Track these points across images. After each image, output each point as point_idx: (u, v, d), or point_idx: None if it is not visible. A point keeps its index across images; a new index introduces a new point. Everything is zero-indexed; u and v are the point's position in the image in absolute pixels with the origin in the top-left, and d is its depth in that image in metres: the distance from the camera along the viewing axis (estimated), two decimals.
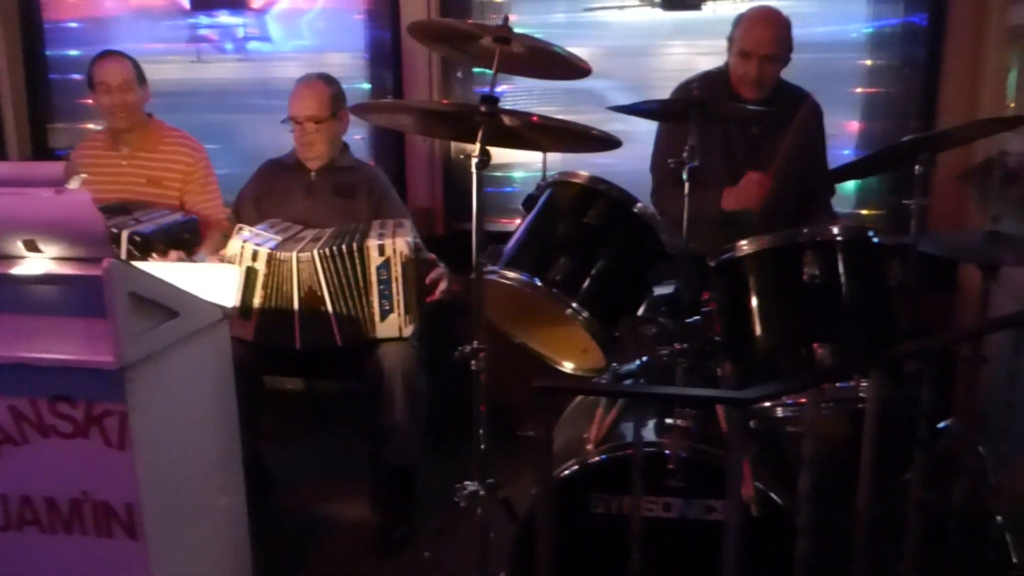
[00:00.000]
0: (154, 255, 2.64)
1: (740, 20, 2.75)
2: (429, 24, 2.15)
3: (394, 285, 2.64)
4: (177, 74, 3.87)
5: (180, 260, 2.69)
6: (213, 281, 2.13)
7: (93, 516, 1.86)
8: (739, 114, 2.52)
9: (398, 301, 2.65)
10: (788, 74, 2.88)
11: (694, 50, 3.43)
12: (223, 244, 2.83)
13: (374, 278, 2.64)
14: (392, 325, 2.67)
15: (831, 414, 2.15)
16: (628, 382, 2.38)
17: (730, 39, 2.77)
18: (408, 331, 2.69)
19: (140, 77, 3.18)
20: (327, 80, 2.97)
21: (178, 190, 3.17)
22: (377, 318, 2.66)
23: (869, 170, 3.06)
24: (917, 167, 2.32)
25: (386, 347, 2.68)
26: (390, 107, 2.26)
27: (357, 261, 2.64)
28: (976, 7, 3.19)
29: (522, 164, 3.69)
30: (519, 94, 3.64)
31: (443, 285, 2.75)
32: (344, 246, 2.65)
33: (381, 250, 2.63)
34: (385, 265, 2.63)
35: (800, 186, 2.86)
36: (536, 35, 3.51)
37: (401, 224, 2.79)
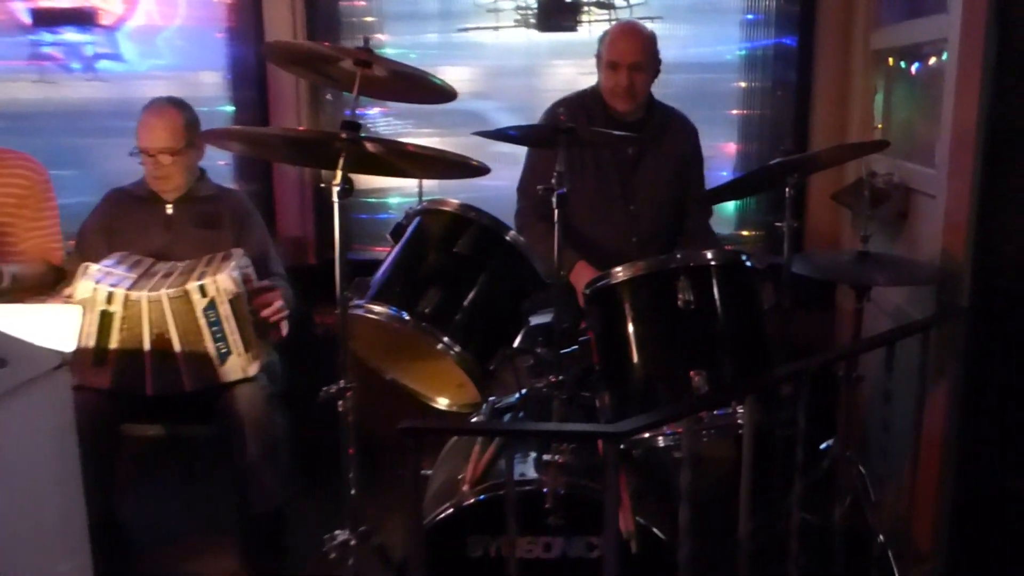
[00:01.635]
0: None
1: (605, 35, 2.83)
2: (285, 47, 2.10)
3: (225, 325, 2.54)
4: (21, 95, 3.68)
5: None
6: (50, 324, 2.01)
7: None
8: (608, 140, 2.55)
9: (234, 341, 2.56)
10: (665, 96, 2.95)
11: (578, 69, 3.48)
12: (51, 278, 2.68)
13: (203, 322, 2.54)
14: (234, 367, 2.58)
15: (714, 441, 2.18)
16: (507, 417, 2.37)
17: (598, 55, 2.84)
18: (253, 369, 2.60)
19: None
20: (179, 106, 2.85)
21: (11, 215, 2.96)
22: (217, 362, 2.58)
23: (741, 192, 3.17)
24: (788, 189, 2.38)
25: (236, 389, 2.60)
26: (242, 135, 2.19)
27: (185, 304, 2.55)
28: (842, 31, 3.35)
29: (398, 189, 3.67)
30: (393, 117, 3.63)
31: (278, 304, 2.66)
32: (173, 289, 2.55)
33: (202, 291, 2.53)
34: (211, 306, 2.53)
35: (676, 208, 2.93)
36: (410, 56, 3.57)
37: (228, 256, 2.69)
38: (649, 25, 2.87)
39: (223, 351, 2.56)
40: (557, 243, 2.06)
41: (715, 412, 1.99)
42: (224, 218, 2.91)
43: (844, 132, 3.38)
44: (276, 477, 2.63)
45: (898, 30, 3.03)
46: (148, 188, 2.90)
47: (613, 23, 3.05)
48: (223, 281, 2.54)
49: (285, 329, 2.69)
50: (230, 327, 2.54)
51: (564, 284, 2.15)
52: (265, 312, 2.64)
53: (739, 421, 1.97)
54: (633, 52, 2.74)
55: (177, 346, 2.55)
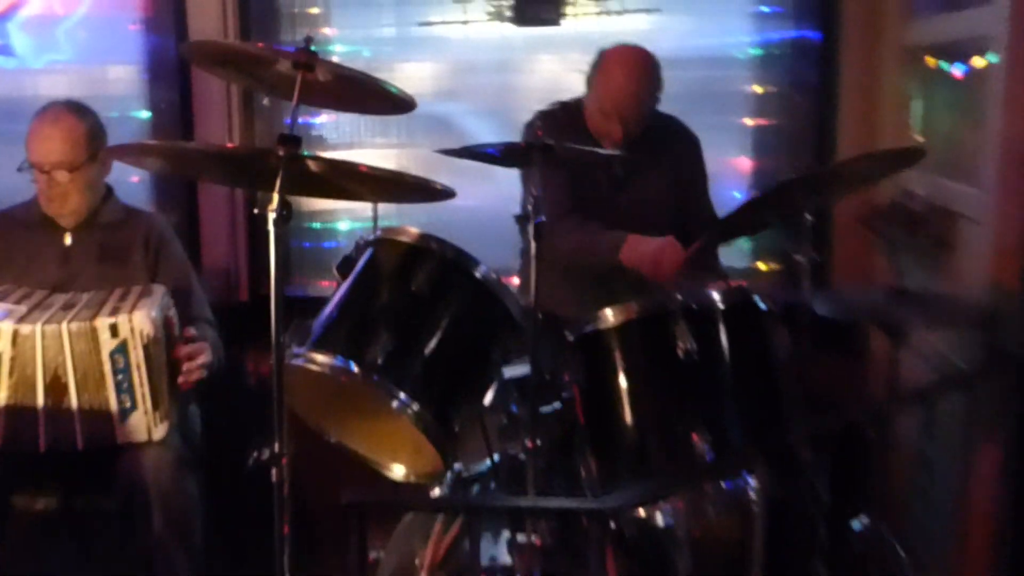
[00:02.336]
0: None
1: (599, 65, 2.84)
2: (209, 48, 2.12)
3: (135, 375, 2.53)
4: None
5: None
6: None
7: None
8: (594, 159, 2.59)
9: (143, 395, 2.54)
10: (665, 102, 2.97)
11: (564, 65, 3.54)
12: None
13: (107, 367, 2.53)
14: (138, 427, 2.56)
15: (721, 517, 2.20)
16: (475, 488, 2.38)
17: (589, 80, 2.87)
18: (159, 433, 2.57)
19: None
20: (79, 112, 2.82)
21: None
22: (117, 418, 2.56)
23: (749, 225, 3.13)
24: (806, 215, 2.41)
25: (141, 451, 2.57)
26: (159, 151, 2.20)
27: (89, 345, 2.54)
28: (871, 24, 3.40)
29: (348, 212, 3.69)
30: (345, 125, 3.66)
31: (202, 360, 2.67)
32: (75, 324, 2.52)
33: (113, 330, 2.52)
34: (121, 349, 2.52)
35: (676, 231, 2.94)
36: (363, 53, 3.61)
37: (148, 292, 2.68)
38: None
39: (127, 406, 2.54)
40: (533, 277, 2.09)
41: (722, 483, 2.01)
42: (135, 248, 2.89)
43: (875, 145, 3.40)
44: (188, 559, 2.61)
45: (935, 24, 3.08)
46: (41, 212, 2.87)
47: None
48: (140, 321, 2.52)
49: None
50: (140, 378, 2.53)
51: (543, 327, 2.16)
52: (186, 367, 2.64)
53: (750, 494, 1.99)
54: (632, 101, 2.78)
55: (73, 393, 2.53)
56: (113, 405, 2.54)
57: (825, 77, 3.47)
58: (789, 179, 2.43)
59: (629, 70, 2.81)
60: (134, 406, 2.55)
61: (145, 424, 2.56)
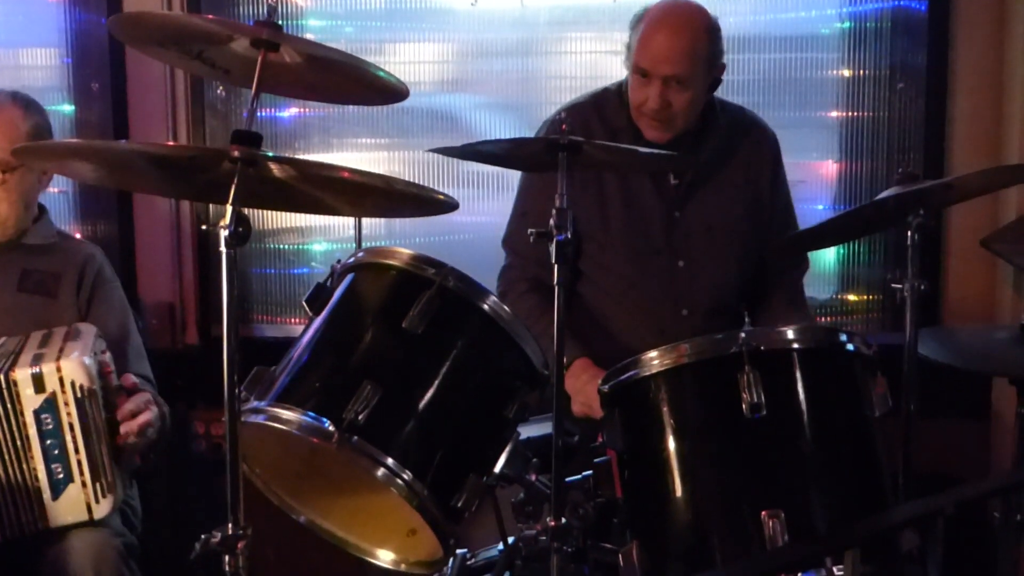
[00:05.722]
0: None
1: (639, 20, 2.84)
2: (145, 20, 2.13)
3: (67, 437, 2.53)
4: None
5: None
6: None
7: None
8: (637, 161, 2.60)
9: (78, 462, 2.53)
10: (728, 86, 2.97)
11: (601, 46, 3.59)
12: None
13: (32, 430, 2.52)
14: (74, 503, 2.55)
15: None
16: None
17: (628, 46, 2.87)
18: (102, 510, 2.57)
19: None
20: (25, 105, 2.90)
21: None
22: (47, 495, 2.55)
23: (839, 235, 3.15)
24: (910, 233, 2.42)
25: (72, 539, 2.58)
26: (85, 151, 2.23)
27: (7, 403, 2.55)
28: None
29: (323, 231, 3.74)
30: (318, 121, 3.69)
31: (146, 417, 2.66)
32: None
33: (38, 383, 2.54)
34: (49, 407, 2.52)
35: (749, 262, 2.98)
36: (345, 30, 3.65)
37: (75, 334, 2.71)
38: None
39: (58, 476, 2.54)
40: (557, 318, 2.10)
41: (800, 575, 2.01)
42: (65, 281, 2.93)
43: (999, 145, 3.44)
44: None
45: None
46: None
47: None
48: (72, 369, 2.53)
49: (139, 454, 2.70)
50: (74, 441, 2.53)
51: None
52: (126, 427, 2.64)
53: None
54: (674, 57, 2.75)
55: None
56: (42, 479, 2.53)
57: (933, 57, 3.49)
58: (895, 192, 2.43)
59: (673, 16, 2.78)
60: (68, 478, 2.54)
61: (82, 501, 2.56)
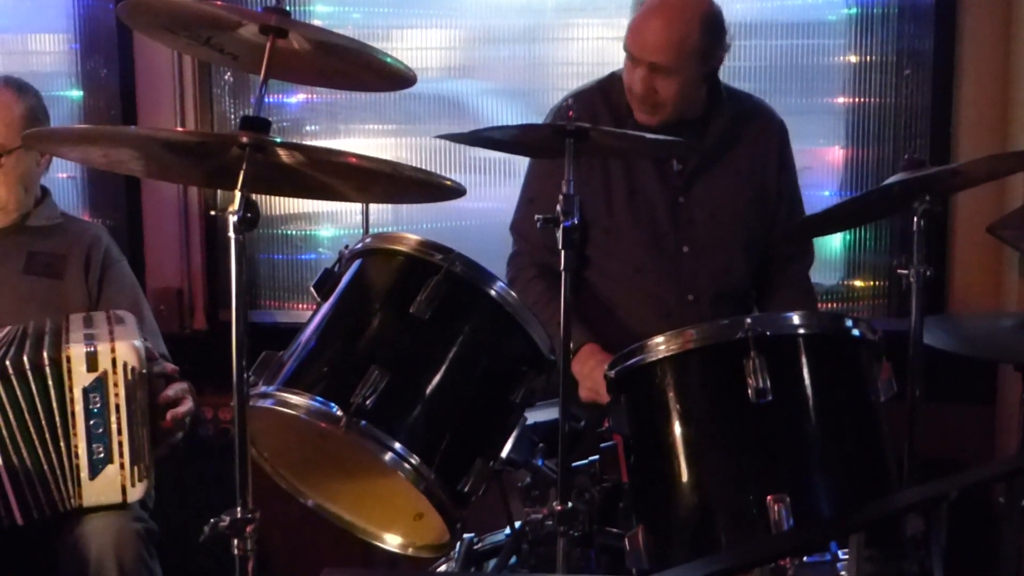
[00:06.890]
0: None
1: (640, 3, 2.83)
2: (153, 6, 2.14)
3: (112, 418, 2.56)
4: None
5: None
6: None
7: None
8: (643, 146, 2.60)
9: (120, 444, 2.56)
10: (735, 71, 2.99)
11: (610, 32, 3.57)
12: None
13: (79, 407, 2.55)
14: (110, 484, 2.58)
15: None
16: (490, 564, 2.40)
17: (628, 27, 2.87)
18: (136, 493, 2.59)
19: None
20: (19, 89, 2.93)
21: None
22: (85, 473, 2.58)
23: (845, 220, 3.15)
24: (916, 219, 2.43)
25: (94, 523, 2.60)
26: (93, 136, 2.24)
27: (50, 381, 2.56)
28: None
29: (331, 217, 3.76)
30: (325, 107, 3.71)
31: (184, 408, 2.69)
32: (26, 357, 2.58)
33: (91, 362, 2.57)
34: (98, 386, 2.55)
35: (755, 248, 2.99)
36: (352, 15, 3.65)
37: (120, 319, 2.75)
38: None
39: (99, 456, 2.55)
40: (564, 304, 2.11)
41: (804, 559, 2.02)
42: (72, 262, 2.96)
43: (1006, 131, 3.45)
44: None
45: None
46: None
47: None
48: (125, 351, 2.55)
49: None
50: (118, 423, 2.55)
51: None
52: (173, 413, 2.65)
53: (841, 574, 2.00)
54: (661, 46, 2.73)
55: (10, 449, 2.57)
56: (83, 455, 2.55)
57: (940, 43, 3.49)
58: (900, 179, 2.43)
59: (664, 15, 2.74)
60: (108, 457, 2.56)
61: (119, 482, 2.57)
